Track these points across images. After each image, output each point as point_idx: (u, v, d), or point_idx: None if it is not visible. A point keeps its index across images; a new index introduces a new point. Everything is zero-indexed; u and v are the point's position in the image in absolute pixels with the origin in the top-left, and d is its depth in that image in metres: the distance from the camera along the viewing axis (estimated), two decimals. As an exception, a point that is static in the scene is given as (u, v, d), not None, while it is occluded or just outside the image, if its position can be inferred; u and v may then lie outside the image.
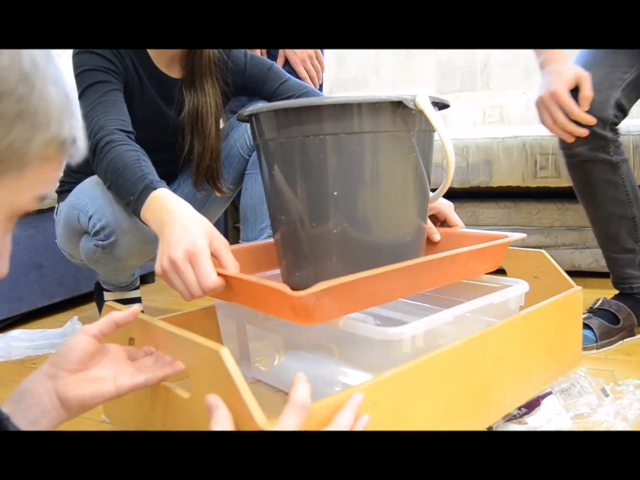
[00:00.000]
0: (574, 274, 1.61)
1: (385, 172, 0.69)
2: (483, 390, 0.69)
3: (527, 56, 2.01)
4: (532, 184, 1.56)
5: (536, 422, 0.78)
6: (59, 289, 1.45)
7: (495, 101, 2.05)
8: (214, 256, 0.71)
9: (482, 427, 0.71)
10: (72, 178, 1.12)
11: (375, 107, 0.66)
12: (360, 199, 0.68)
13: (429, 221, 0.92)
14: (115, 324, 0.59)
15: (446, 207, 0.94)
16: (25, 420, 0.52)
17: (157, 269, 0.71)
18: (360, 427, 0.50)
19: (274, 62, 1.15)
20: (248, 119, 0.75)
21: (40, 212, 1.38)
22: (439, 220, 0.97)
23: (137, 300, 1.25)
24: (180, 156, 1.12)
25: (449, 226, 0.95)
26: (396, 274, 0.65)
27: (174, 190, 1.20)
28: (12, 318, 1.35)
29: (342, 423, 0.48)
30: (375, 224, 0.70)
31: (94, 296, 1.31)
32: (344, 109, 0.66)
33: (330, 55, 2.34)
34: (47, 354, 1.18)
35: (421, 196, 0.74)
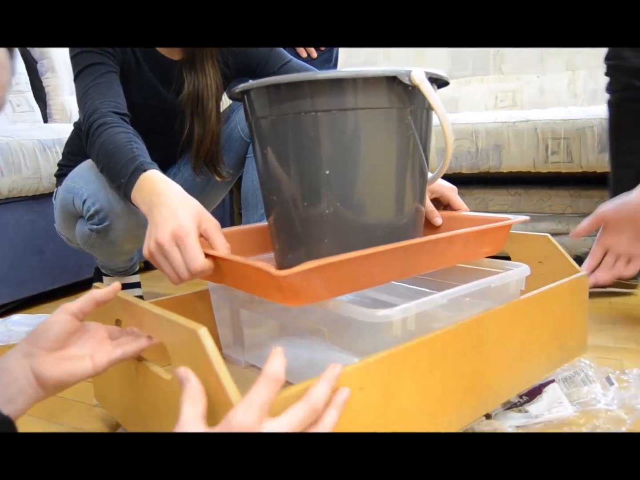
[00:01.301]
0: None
1: (380, 151, 0.66)
2: (480, 376, 0.66)
3: (541, 39, 1.96)
4: (543, 169, 1.52)
5: (537, 410, 0.75)
6: (61, 274, 1.44)
7: (508, 85, 2.00)
8: (204, 238, 0.69)
9: (479, 414, 0.69)
10: (70, 161, 1.11)
11: (369, 82, 0.63)
12: (353, 178, 0.66)
13: (430, 204, 0.89)
14: (96, 302, 0.58)
15: (449, 190, 0.91)
16: (2, 398, 0.51)
17: (145, 251, 0.69)
18: (339, 402, 0.48)
19: (274, 42, 1.12)
20: (240, 96, 0.73)
21: (41, 196, 1.38)
22: (442, 204, 0.94)
23: (137, 285, 1.24)
24: (180, 140, 1.10)
25: (453, 210, 0.92)
26: (389, 255, 0.62)
27: (174, 175, 1.19)
28: (13, 303, 1.35)
29: (316, 395, 0.46)
30: (369, 205, 0.67)
31: (93, 281, 1.31)
32: (336, 84, 0.63)
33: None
34: (46, 338, 1.18)
35: (418, 177, 0.71)
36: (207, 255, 0.66)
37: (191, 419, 0.45)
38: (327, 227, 0.68)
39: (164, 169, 1.20)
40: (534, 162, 1.53)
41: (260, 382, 0.44)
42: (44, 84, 1.95)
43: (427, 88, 0.63)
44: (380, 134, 0.66)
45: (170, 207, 0.68)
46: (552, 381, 0.80)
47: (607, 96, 1.21)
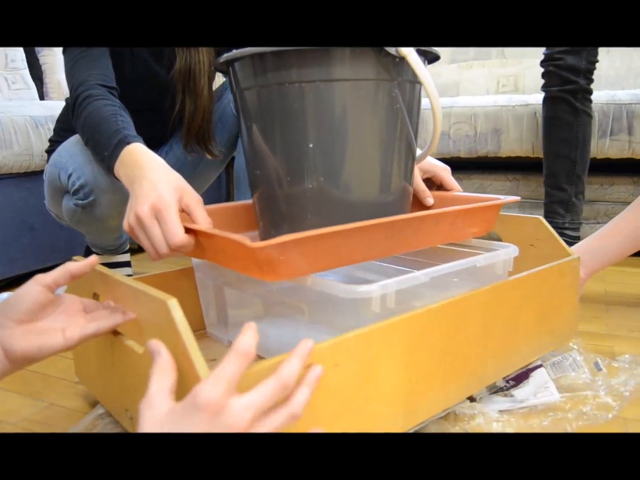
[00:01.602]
0: (584, 249, 1.55)
1: (365, 124, 0.64)
2: (464, 357, 0.65)
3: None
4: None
5: (523, 395, 0.74)
6: (52, 252, 1.43)
7: (510, 70, 1.97)
8: (186, 212, 0.68)
9: (463, 396, 0.67)
10: (61, 137, 1.09)
11: (355, 53, 0.61)
12: (337, 152, 0.64)
13: (422, 184, 0.88)
14: (71, 274, 0.56)
15: (441, 170, 0.89)
16: None
17: (125, 225, 0.67)
18: (311, 379, 0.46)
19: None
20: (225, 67, 0.71)
21: (33, 173, 1.37)
22: (435, 184, 0.92)
23: (127, 264, 1.23)
24: (171, 116, 1.08)
25: (446, 190, 0.91)
26: (371, 231, 0.60)
27: (166, 153, 1.17)
28: (3, 281, 1.34)
29: (287, 371, 0.44)
30: (353, 180, 0.66)
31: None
32: (322, 55, 0.61)
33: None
34: (35, 315, 1.17)
35: (406, 153, 0.69)
36: (187, 230, 0.65)
37: (158, 392, 0.44)
38: (310, 202, 0.66)
39: (156, 146, 1.18)
40: (532, 147, 1.50)
41: (229, 357, 0.43)
42: (41, 62, 1.93)
43: (414, 59, 0.61)
44: (365, 107, 0.64)
45: (152, 181, 0.66)
46: (540, 366, 0.78)
47: (543, 94, 1.37)
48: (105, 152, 0.77)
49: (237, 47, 0.65)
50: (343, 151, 0.64)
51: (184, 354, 0.46)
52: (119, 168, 0.75)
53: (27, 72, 1.79)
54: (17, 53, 1.77)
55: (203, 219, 0.66)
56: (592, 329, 1.01)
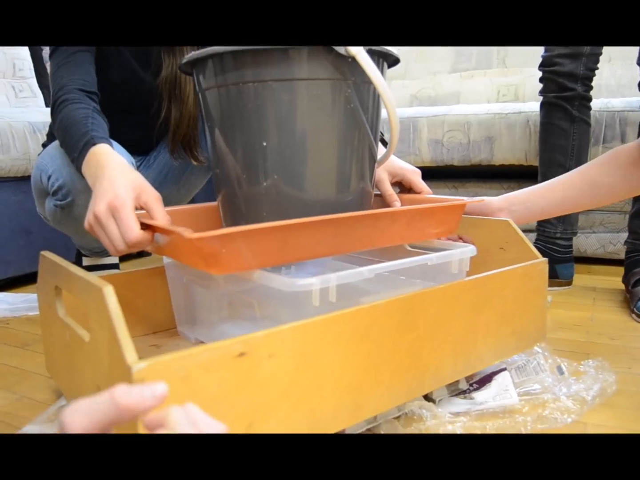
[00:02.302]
0: (579, 259, 1.54)
1: (318, 123, 0.66)
2: (416, 355, 0.65)
3: (546, 33, 1.92)
4: (536, 162, 1.48)
5: (483, 397, 0.74)
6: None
7: (511, 79, 1.97)
8: (145, 209, 0.70)
9: (416, 394, 0.67)
10: (50, 141, 1.12)
11: (305, 52, 0.63)
12: (290, 150, 0.65)
13: (389, 188, 0.88)
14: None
15: (410, 172, 0.90)
16: None
17: (85, 223, 0.70)
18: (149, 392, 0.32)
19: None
20: (189, 69, 0.73)
21: (29, 177, 1.40)
22: (405, 188, 0.93)
23: (114, 266, 1.25)
24: (157, 122, 1.10)
25: (415, 193, 0.91)
26: (319, 227, 0.61)
27: (154, 158, 1.20)
28: (-2, 282, 1.38)
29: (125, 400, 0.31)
30: (307, 178, 0.67)
31: (76, 262, 1.32)
32: (274, 55, 0.63)
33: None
34: (23, 316, 1.19)
35: (363, 153, 0.70)
36: (145, 227, 0.66)
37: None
38: (266, 200, 0.67)
39: (145, 151, 1.21)
40: (526, 156, 1.50)
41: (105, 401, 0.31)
42: (48, 71, 1.99)
43: (364, 59, 0.62)
44: (318, 106, 0.65)
45: (110, 179, 0.69)
46: (504, 369, 0.78)
47: (541, 98, 1.35)
48: (74, 154, 0.80)
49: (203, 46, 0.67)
50: (296, 150, 0.66)
51: (115, 339, 0.47)
52: (85, 168, 0.77)
53: (34, 80, 1.85)
54: (25, 62, 1.83)
55: (161, 216, 0.68)
56: (573, 337, 1.00)
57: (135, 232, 0.65)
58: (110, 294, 0.49)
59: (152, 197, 0.69)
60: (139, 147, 1.18)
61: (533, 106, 1.51)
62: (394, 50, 0.71)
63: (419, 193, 0.89)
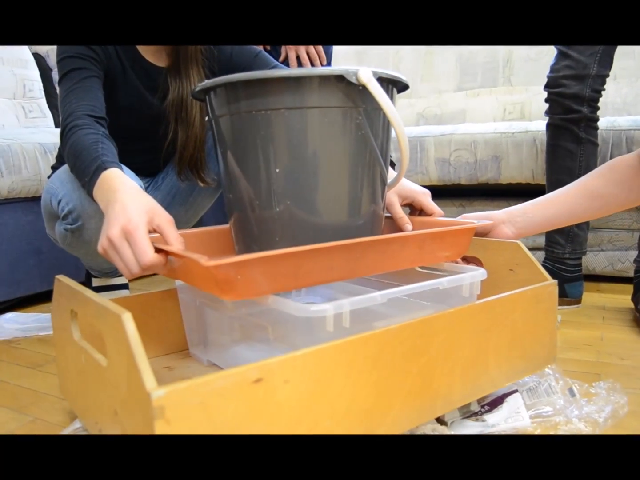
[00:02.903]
0: (588, 277, 1.54)
1: (329, 149, 0.67)
2: (427, 379, 0.65)
3: (551, 51, 1.94)
4: (543, 181, 1.49)
5: (494, 419, 0.74)
6: (58, 275, 1.47)
7: (517, 97, 1.98)
8: (158, 233, 0.71)
9: (427, 418, 0.67)
10: (60, 164, 1.14)
11: (316, 81, 0.64)
12: (301, 176, 0.66)
13: (400, 211, 0.89)
14: None
15: (421, 195, 0.91)
16: None
17: (99, 248, 0.71)
18: None
19: (261, 49, 1.14)
20: (202, 96, 0.74)
21: (40, 198, 1.41)
22: (416, 210, 0.93)
23: (124, 286, 1.26)
24: (164, 145, 1.12)
25: (427, 215, 0.92)
26: (332, 252, 0.62)
27: (162, 179, 1.22)
28: (9, 302, 1.38)
29: None
30: (319, 204, 0.68)
31: (86, 282, 1.33)
32: (286, 83, 0.64)
33: (350, 51, 2.32)
34: (34, 336, 1.20)
35: (374, 177, 0.71)
36: (158, 251, 0.67)
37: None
38: (278, 225, 0.68)
39: (153, 173, 1.23)
40: (533, 174, 1.50)
41: None
42: (58, 91, 2.02)
43: (374, 87, 0.63)
44: (329, 133, 0.66)
45: (123, 203, 0.70)
46: (515, 391, 0.78)
47: (547, 119, 1.35)
48: (85, 178, 0.81)
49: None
50: (308, 176, 0.67)
51: (134, 365, 0.48)
52: (97, 193, 0.78)
53: (44, 101, 1.87)
54: (35, 83, 1.86)
55: (174, 239, 0.69)
56: (583, 357, 1.00)
57: (149, 256, 0.65)
58: (129, 320, 0.50)
59: (164, 220, 0.70)
60: (146, 170, 1.20)
61: (540, 125, 1.52)
62: (403, 76, 0.72)
63: (430, 215, 0.90)
